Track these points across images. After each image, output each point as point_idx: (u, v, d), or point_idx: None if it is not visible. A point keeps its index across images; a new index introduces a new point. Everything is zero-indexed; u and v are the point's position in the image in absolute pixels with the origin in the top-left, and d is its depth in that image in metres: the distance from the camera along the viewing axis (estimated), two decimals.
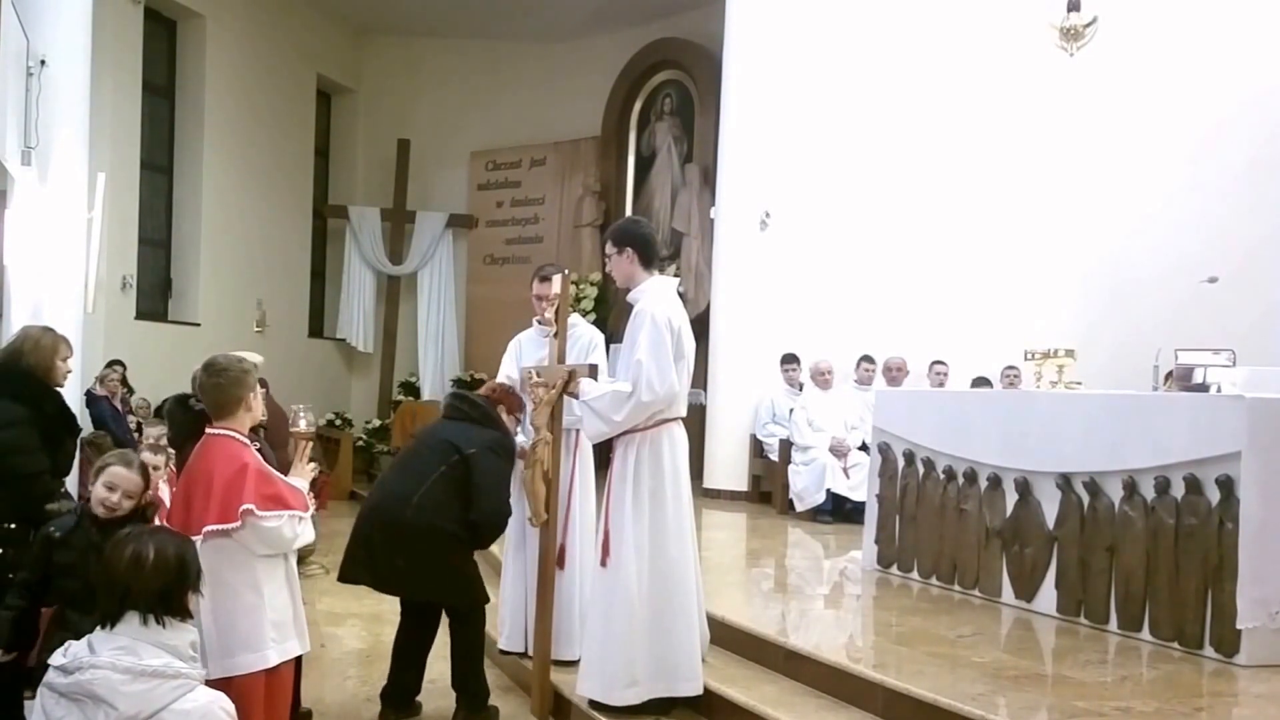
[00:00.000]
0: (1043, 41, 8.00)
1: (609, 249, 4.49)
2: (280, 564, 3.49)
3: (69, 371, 4.43)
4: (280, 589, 3.47)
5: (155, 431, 5.97)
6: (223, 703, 2.61)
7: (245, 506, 3.28)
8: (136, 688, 2.45)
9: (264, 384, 4.03)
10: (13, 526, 4.04)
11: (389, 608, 5.25)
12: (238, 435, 3.48)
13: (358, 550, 4.49)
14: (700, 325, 7.97)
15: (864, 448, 8.34)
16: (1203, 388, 4.97)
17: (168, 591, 2.66)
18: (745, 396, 9.82)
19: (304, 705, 4.52)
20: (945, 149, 9.57)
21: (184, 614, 2.66)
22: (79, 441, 5.21)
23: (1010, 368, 9.05)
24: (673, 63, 12.96)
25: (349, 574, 4.54)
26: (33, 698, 2.81)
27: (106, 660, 2.47)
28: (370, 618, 6.37)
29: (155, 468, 5.17)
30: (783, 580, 6.63)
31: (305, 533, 3.51)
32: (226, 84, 12.33)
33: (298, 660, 3.86)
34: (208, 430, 3.52)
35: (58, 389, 4.31)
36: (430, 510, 4.36)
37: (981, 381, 9.08)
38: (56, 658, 2.64)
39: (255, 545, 3.35)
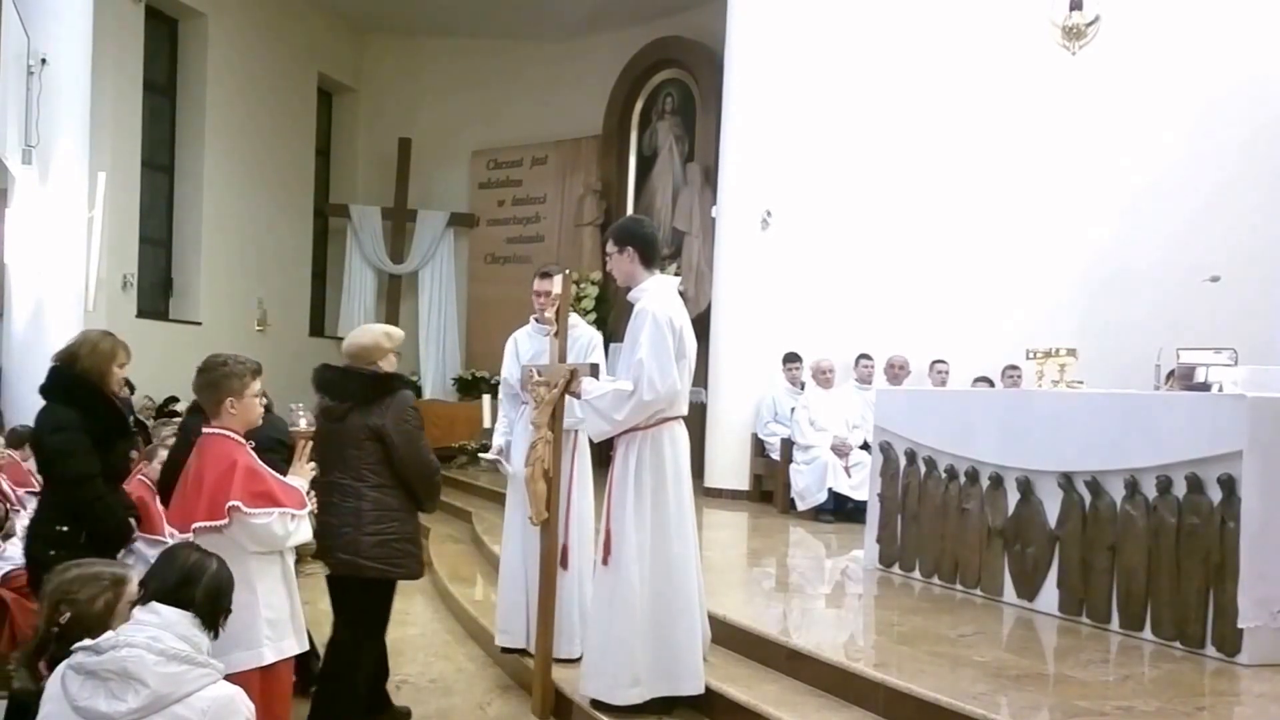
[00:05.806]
0: (1043, 40, 8.00)
1: (610, 248, 4.48)
2: (276, 562, 3.50)
3: (124, 379, 4.41)
4: (275, 587, 3.48)
5: (166, 432, 6.00)
6: (244, 699, 2.65)
7: (232, 503, 3.31)
8: (169, 669, 2.51)
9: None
10: (64, 529, 4.06)
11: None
12: (232, 435, 3.50)
13: None
14: (701, 324, 7.95)
15: (865, 447, 8.33)
16: (1204, 387, 4.96)
17: (211, 598, 2.75)
18: (747, 395, 9.81)
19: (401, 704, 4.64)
20: (947, 148, 9.56)
21: (211, 627, 2.74)
22: None
23: (1012, 367, 9.04)
24: (674, 62, 12.95)
25: None
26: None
27: (142, 641, 2.54)
28: None
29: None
30: (784, 579, 6.61)
31: (300, 531, 3.52)
32: (227, 83, 12.33)
33: (383, 656, 3.91)
34: (203, 430, 3.55)
35: (110, 393, 4.27)
36: None
37: (983, 382, 9.07)
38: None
39: (246, 542, 3.36)
